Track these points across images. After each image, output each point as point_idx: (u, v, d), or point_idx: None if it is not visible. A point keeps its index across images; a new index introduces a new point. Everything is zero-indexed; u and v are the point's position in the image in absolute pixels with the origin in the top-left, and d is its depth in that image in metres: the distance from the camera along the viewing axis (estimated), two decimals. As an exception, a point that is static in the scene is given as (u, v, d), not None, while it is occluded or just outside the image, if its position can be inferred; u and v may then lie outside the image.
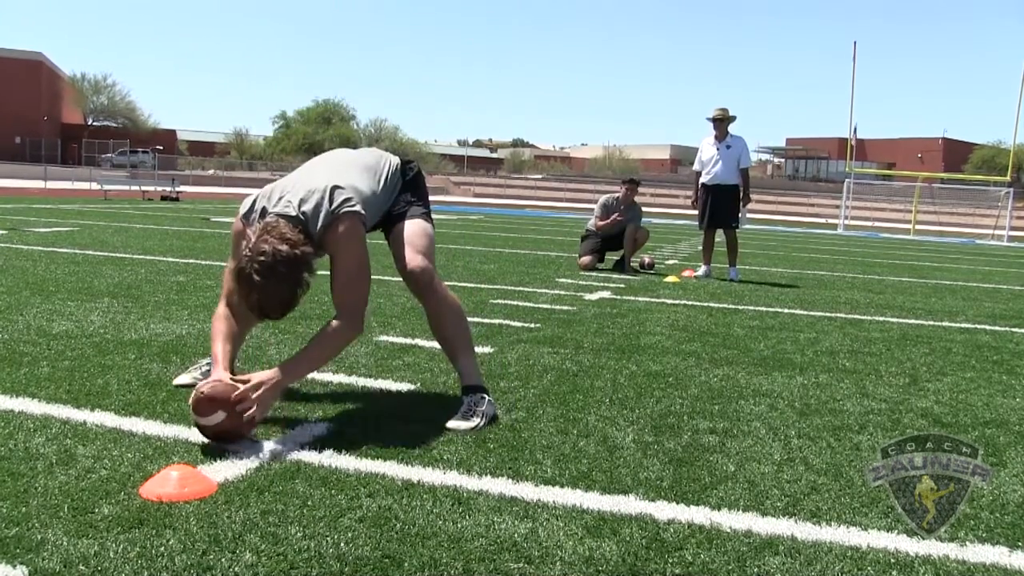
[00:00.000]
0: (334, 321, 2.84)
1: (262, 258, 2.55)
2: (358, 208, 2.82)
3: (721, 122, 8.81)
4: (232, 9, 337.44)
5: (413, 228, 3.09)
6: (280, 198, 2.82)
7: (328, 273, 2.89)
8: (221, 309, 2.91)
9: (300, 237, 2.66)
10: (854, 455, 2.79)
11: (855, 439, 2.98)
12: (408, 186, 3.20)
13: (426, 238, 3.08)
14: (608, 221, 9.32)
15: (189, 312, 4.85)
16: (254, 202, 2.88)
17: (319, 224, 2.75)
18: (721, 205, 8.78)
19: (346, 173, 2.95)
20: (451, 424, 2.82)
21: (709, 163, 8.84)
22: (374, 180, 3.05)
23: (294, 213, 2.74)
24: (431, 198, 3.36)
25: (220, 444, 2.54)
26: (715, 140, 8.84)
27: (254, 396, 2.55)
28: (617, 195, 9.55)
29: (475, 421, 2.83)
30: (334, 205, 2.77)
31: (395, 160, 3.22)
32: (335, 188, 2.81)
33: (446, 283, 3.14)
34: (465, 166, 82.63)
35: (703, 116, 9.11)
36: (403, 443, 2.62)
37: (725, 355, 4.39)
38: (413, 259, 2.99)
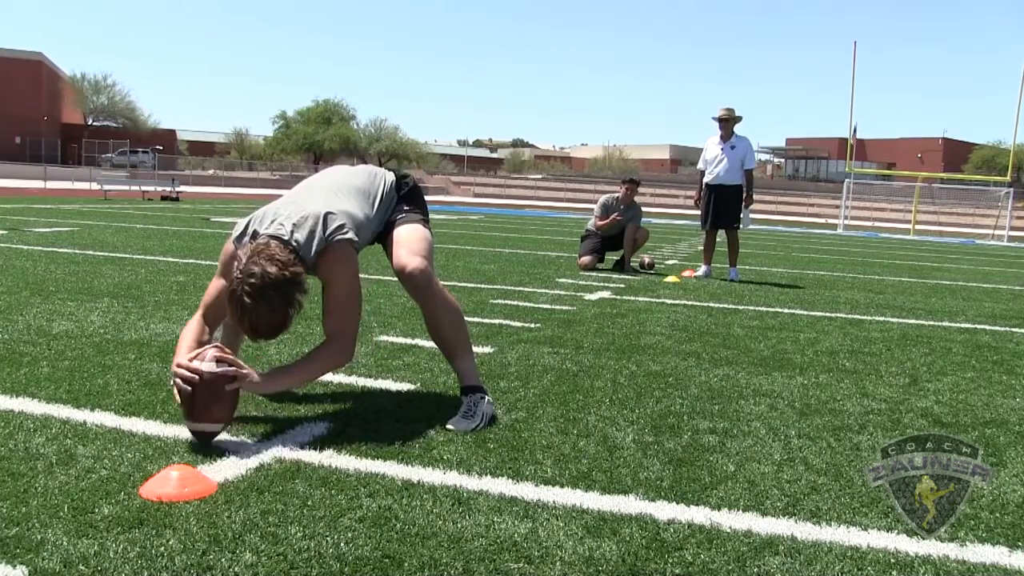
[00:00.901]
0: (324, 345, 2.86)
1: (252, 280, 2.55)
2: (351, 235, 2.83)
3: (727, 122, 8.80)
4: (232, 9, 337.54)
5: (409, 232, 3.10)
6: (272, 220, 2.82)
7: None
8: (194, 321, 2.90)
9: (290, 258, 2.65)
10: (854, 455, 2.79)
11: (855, 439, 2.98)
12: (403, 199, 3.22)
13: (423, 241, 3.09)
14: (608, 221, 9.32)
15: (189, 312, 4.85)
16: (247, 225, 2.86)
17: (312, 251, 2.76)
18: (724, 205, 8.77)
19: (339, 198, 2.96)
20: (451, 424, 2.83)
21: (713, 163, 8.83)
22: (367, 203, 3.07)
23: (287, 237, 2.74)
24: (431, 197, 3.38)
25: (191, 422, 2.55)
26: (720, 140, 8.84)
27: (242, 372, 2.63)
28: (617, 195, 9.55)
29: (474, 421, 2.84)
30: (327, 232, 2.78)
31: (389, 177, 3.24)
32: (328, 215, 2.81)
33: (446, 283, 3.15)
34: (465, 166, 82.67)
35: (703, 116, 9.27)
36: (403, 443, 2.62)
37: (725, 355, 4.39)
38: (410, 260, 2.99)
